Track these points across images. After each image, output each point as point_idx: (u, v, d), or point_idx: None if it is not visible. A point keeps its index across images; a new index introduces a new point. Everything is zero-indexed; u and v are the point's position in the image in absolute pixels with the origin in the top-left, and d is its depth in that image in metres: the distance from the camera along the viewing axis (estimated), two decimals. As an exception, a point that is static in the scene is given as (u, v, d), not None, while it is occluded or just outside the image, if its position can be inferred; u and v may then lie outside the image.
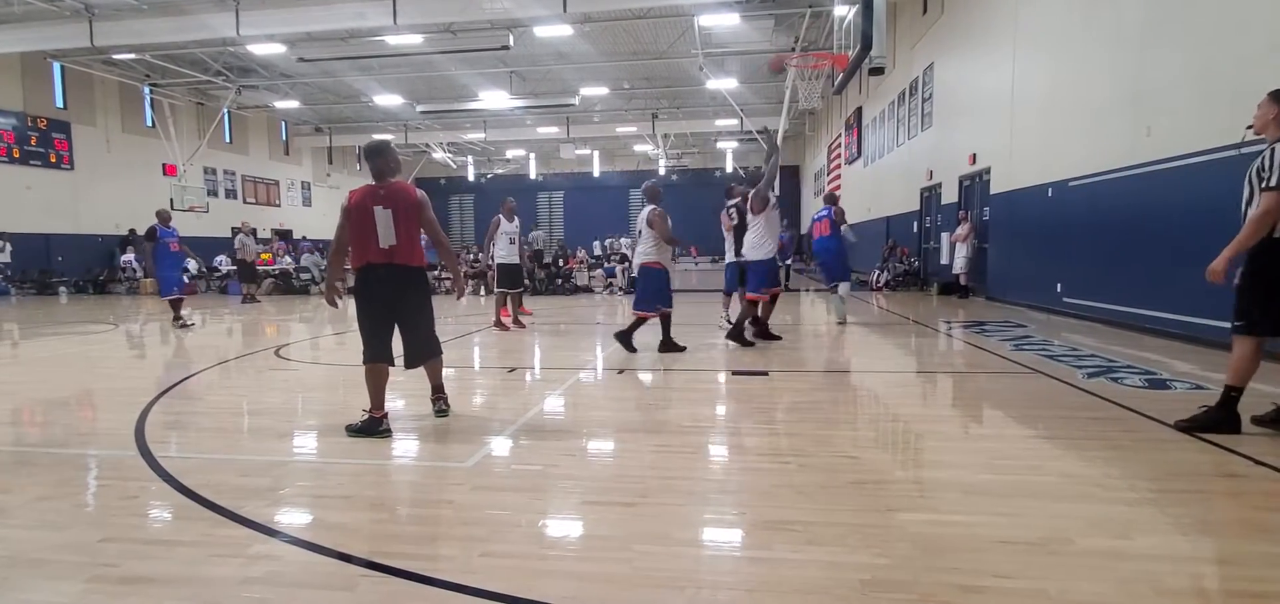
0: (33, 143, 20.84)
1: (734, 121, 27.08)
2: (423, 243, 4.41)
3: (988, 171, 12.58)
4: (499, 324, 9.48)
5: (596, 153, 36.82)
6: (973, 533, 2.64)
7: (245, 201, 29.94)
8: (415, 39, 17.65)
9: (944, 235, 14.40)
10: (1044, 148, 10.39)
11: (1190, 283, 7.07)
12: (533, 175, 38.91)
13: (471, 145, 35.65)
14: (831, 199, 10.45)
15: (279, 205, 32.16)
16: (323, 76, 23.48)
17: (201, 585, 2.30)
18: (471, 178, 39.26)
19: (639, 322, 7.23)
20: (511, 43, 17.38)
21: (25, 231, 19.87)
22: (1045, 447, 3.85)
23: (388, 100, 25.88)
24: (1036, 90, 10.64)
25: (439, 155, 35.65)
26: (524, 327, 9.80)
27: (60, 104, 21.98)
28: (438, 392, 4.62)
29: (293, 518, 2.92)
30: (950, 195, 14.53)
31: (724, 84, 22.57)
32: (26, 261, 19.33)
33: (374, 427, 4.15)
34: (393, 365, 4.28)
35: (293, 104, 27.02)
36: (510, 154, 38.58)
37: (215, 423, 4.68)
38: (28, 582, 2.34)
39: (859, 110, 23.26)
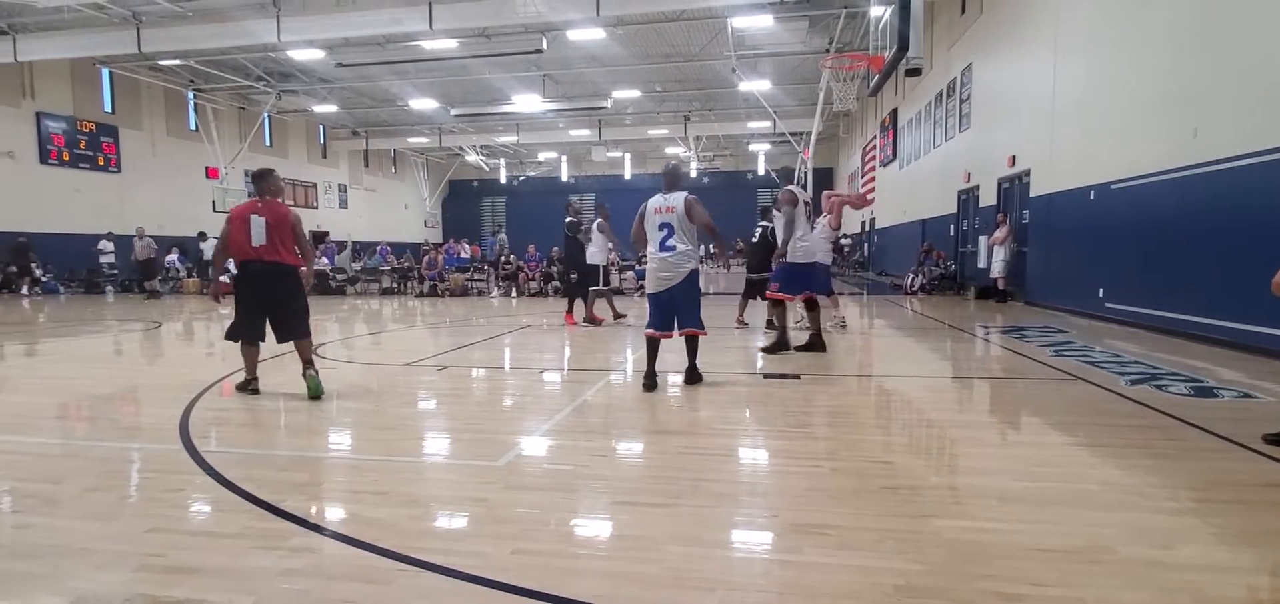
0: (82, 146, 21.63)
1: (767, 123, 26.93)
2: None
3: (1027, 174, 12.32)
4: (590, 320, 10.11)
5: (628, 155, 36.92)
6: (1009, 540, 2.59)
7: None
8: (450, 43, 17.90)
9: (981, 238, 14.14)
10: (1086, 150, 10.14)
11: (1239, 288, 6.85)
12: (564, 178, 39.17)
13: (504, 148, 36.02)
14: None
15: (316, 207, 32.85)
16: (360, 81, 23.94)
17: (244, 576, 2.36)
18: (504, 180, 39.67)
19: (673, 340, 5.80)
20: (545, 46, 17.52)
21: (75, 232, 20.62)
22: (1085, 454, 3.76)
23: (422, 104, 26.29)
24: (1078, 91, 10.39)
25: (472, 158, 36.09)
26: (600, 324, 10.22)
27: (108, 109, 22.78)
28: (308, 365, 5.37)
29: (330, 512, 2.98)
30: (988, 198, 14.26)
31: (757, 86, 22.47)
32: (74, 261, 20.03)
33: (247, 386, 5.44)
34: (263, 341, 5.40)
35: (331, 108, 27.59)
36: (542, 156, 38.88)
37: (255, 419, 4.81)
38: (78, 570, 2.43)
39: (894, 112, 22.95)
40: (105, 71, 22.14)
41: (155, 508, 3.07)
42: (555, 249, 17.30)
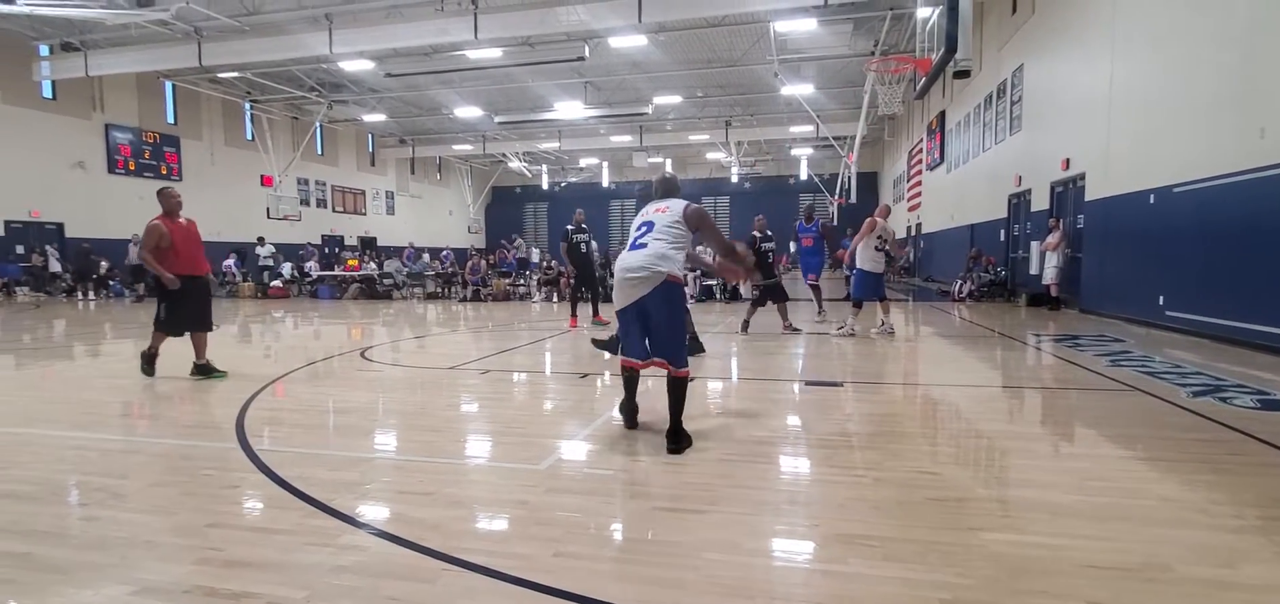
0: (146, 156, 22.79)
1: (810, 128, 26.67)
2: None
3: (1082, 177, 11.93)
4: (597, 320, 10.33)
5: (669, 161, 36.97)
6: (1061, 556, 2.51)
7: (334, 210, 31.58)
8: (494, 52, 18.21)
9: (1033, 244, 13.73)
10: (1145, 151, 9.77)
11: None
12: (605, 183, 39.40)
13: (546, 154, 36.44)
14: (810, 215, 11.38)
15: (365, 214, 33.75)
16: (407, 90, 24.54)
17: (296, 571, 2.44)
18: (546, 186, 40.11)
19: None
20: (587, 53, 17.69)
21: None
22: (1143, 468, 3.62)
23: (467, 112, 26.78)
24: (1137, 90, 10.03)
25: (515, 164, 36.59)
26: (607, 323, 10.33)
27: (171, 120, 23.88)
28: (200, 355, 6.56)
29: (378, 511, 3.06)
30: (1041, 202, 13.85)
31: (799, 90, 22.27)
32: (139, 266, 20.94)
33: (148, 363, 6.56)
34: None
35: (379, 117, 28.32)
36: (584, 162, 39.21)
37: (307, 419, 4.96)
38: (143, 562, 2.54)
39: (942, 115, 22.48)
40: (169, 85, 23.22)
41: (213, 504, 3.20)
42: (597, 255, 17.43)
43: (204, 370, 6.52)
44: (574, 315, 11.20)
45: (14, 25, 17.78)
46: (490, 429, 4.70)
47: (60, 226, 20.39)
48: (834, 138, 26.70)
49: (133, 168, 22.33)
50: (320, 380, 6.66)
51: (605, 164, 38.22)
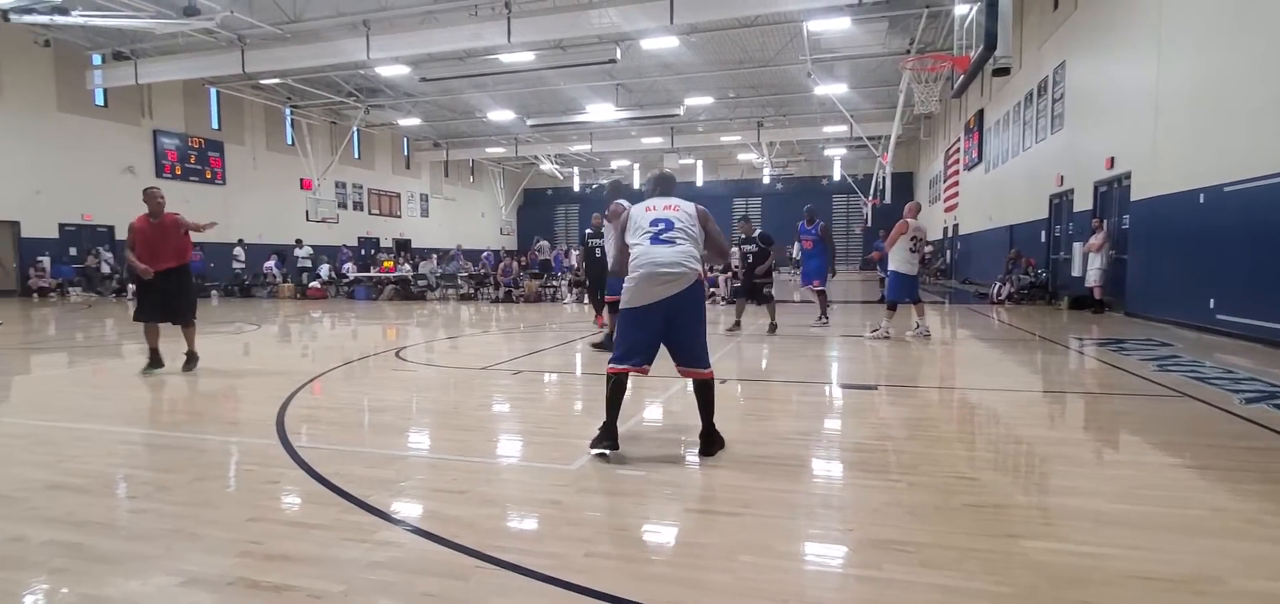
0: (192, 161, 23.58)
1: (843, 128, 26.38)
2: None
3: (1127, 176, 11.58)
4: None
5: (700, 162, 36.88)
6: (1106, 566, 2.44)
7: (370, 213, 32.18)
8: (527, 56, 18.38)
9: (1076, 245, 13.38)
10: (1194, 150, 9.45)
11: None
12: (636, 185, 39.44)
13: (577, 156, 36.63)
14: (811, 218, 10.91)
15: (400, 216, 34.32)
16: (442, 94, 24.89)
17: (334, 565, 2.49)
18: (577, 188, 40.32)
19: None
20: (619, 56, 17.76)
21: (187, 240, 22.25)
22: (1193, 477, 3.49)
23: (500, 115, 27.07)
24: (1185, 87, 9.71)
25: (546, 167, 36.86)
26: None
27: (215, 125, 24.61)
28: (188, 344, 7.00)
29: (413, 509, 3.10)
30: (1083, 202, 13.48)
31: (833, 90, 22.04)
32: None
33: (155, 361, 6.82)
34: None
35: (414, 121, 28.78)
36: (614, 164, 39.32)
37: (343, 417, 5.05)
38: (187, 553, 2.61)
39: (980, 113, 22.04)
40: (213, 91, 23.95)
41: (254, 498, 3.27)
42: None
43: (187, 359, 6.97)
44: (601, 313, 11.17)
45: (69, 36, 18.46)
46: (522, 429, 4.74)
47: (111, 229, 21.10)
48: (868, 138, 26.36)
49: (179, 172, 23.09)
50: (356, 379, 6.78)
51: (636, 166, 38.29)
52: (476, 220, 40.16)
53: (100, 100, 21.00)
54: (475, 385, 6.31)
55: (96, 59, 20.15)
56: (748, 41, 19.59)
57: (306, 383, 6.26)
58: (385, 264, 22.10)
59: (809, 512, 3.09)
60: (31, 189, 19.34)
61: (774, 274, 10.72)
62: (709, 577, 2.40)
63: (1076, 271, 13.19)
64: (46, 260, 19.29)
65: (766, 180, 34.48)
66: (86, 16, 14.75)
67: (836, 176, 34.73)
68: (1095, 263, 12.20)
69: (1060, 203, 15.03)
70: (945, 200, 27.36)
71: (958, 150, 25.13)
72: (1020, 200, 17.61)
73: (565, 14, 15.60)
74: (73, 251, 20.28)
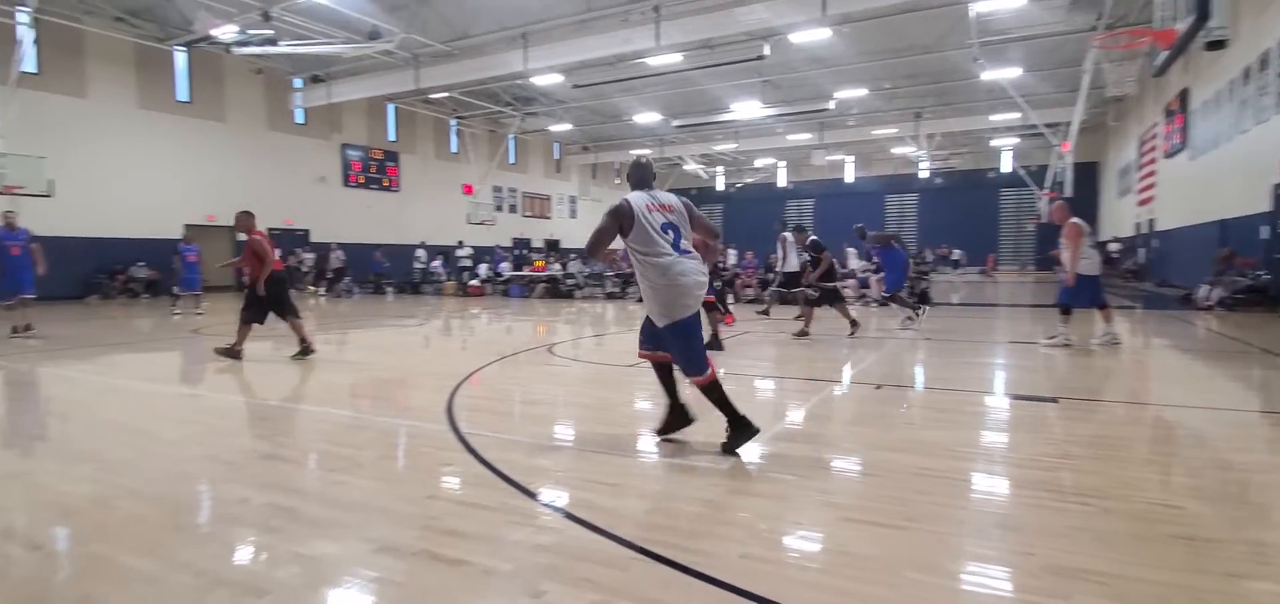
0: (372, 170, 26.35)
1: (1015, 115, 24.24)
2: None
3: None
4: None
5: (851, 158, 35.44)
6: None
7: (523, 215, 34.04)
8: (675, 57, 18.55)
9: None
10: None
11: None
12: (782, 184, 38.67)
13: (722, 156, 36.51)
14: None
15: (550, 218, 36.00)
16: (591, 100, 25.82)
17: (502, 545, 2.65)
18: (721, 188, 40.18)
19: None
20: (767, 51, 17.46)
21: (364, 242, 24.74)
22: None
23: (646, 117, 27.59)
24: None
25: (690, 167, 37.07)
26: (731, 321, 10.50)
27: (392, 138, 27.24)
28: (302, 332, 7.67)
29: (570, 497, 3.23)
30: (1317, 192, 11.46)
31: (1004, 74, 20.25)
32: (364, 267, 23.90)
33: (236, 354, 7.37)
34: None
35: (566, 126, 30.04)
36: (759, 163, 38.75)
37: (506, 408, 5.37)
38: (378, 524, 2.89)
39: (1184, 93, 19.38)
40: (391, 107, 26.51)
41: (430, 478, 3.56)
42: (773, 255, 17.13)
43: (302, 351, 7.56)
44: (728, 312, 11.15)
45: (277, 64, 21.15)
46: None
47: (306, 232, 23.90)
48: (1045, 125, 23.99)
49: (362, 181, 25.87)
50: (512, 373, 7.18)
51: (782, 164, 37.50)
52: (622, 221, 41.13)
53: (300, 119, 23.84)
54: (623, 382, 6.47)
55: (298, 83, 22.90)
56: (906, 28, 18.52)
57: (469, 375, 6.71)
58: (537, 263, 23.24)
59: (981, 530, 2.86)
60: (246, 198, 22.29)
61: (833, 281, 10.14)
62: (870, 590, 2.29)
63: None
64: (256, 261, 22.20)
65: (924, 175, 32.34)
66: (291, 46, 16.79)
67: (1005, 169, 31.97)
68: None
69: (1288, 193, 12.88)
70: (1139, 192, 24.32)
71: (1155, 136, 22.24)
72: (1234, 191, 15.27)
73: (713, 13, 15.57)
74: (278, 253, 23.16)
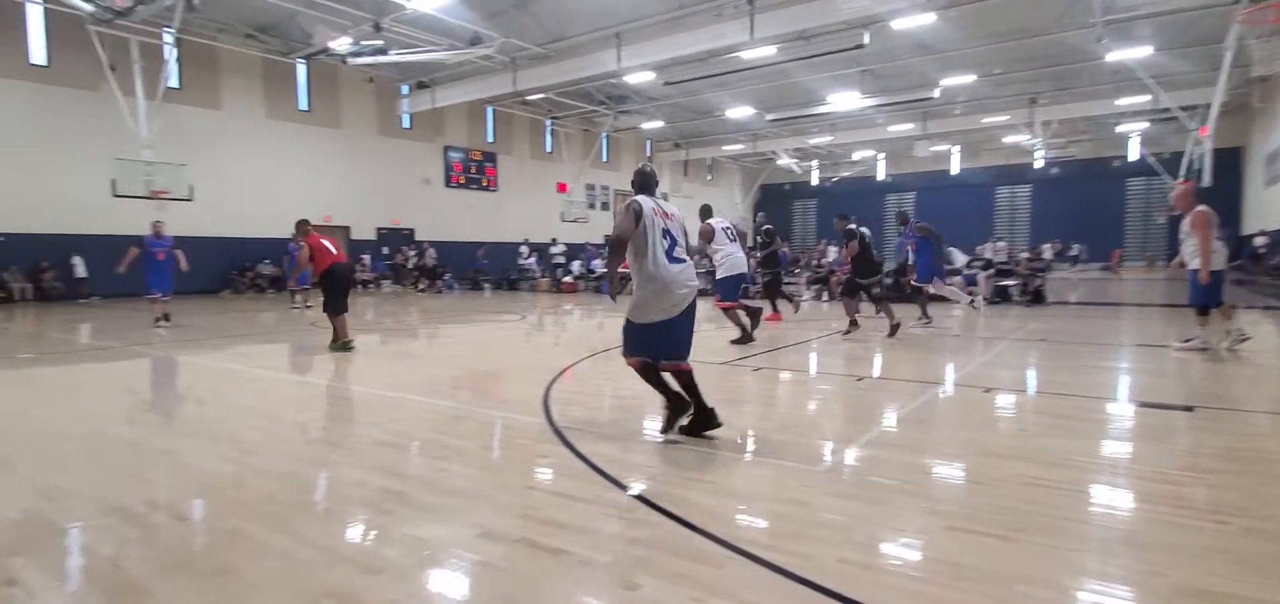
0: (472, 171, 27.48)
1: (1144, 98, 22.31)
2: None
3: None
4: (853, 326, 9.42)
5: (956, 148, 33.71)
6: None
7: (615, 212, 34.50)
8: (769, 50, 18.24)
9: None
10: None
11: None
12: (880, 176, 37.32)
13: (817, 149, 35.62)
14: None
15: (642, 215, 36.30)
16: (683, 96, 25.80)
17: (599, 536, 2.71)
18: (815, 182, 39.22)
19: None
20: (866, 40, 16.86)
21: (464, 240, 25.80)
22: None
23: (738, 112, 27.29)
24: None
25: (783, 161, 36.37)
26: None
27: (490, 139, 28.28)
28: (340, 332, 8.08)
29: (666, 492, 3.25)
30: None
31: (1132, 54, 18.67)
32: (464, 265, 24.91)
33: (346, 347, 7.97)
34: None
35: (657, 124, 30.17)
36: (857, 156, 37.54)
37: (598, 402, 5.46)
38: (480, 510, 3.02)
39: (1343, 67, 17.25)
40: (490, 110, 27.52)
41: (528, 469, 3.68)
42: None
43: (342, 346, 8.02)
44: (776, 310, 11.24)
45: (386, 72, 22.39)
46: (765, 425, 4.73)
47: (412, 231, 25.19)
48: (1179, 108, 21.95)
49: (462, 181, 27.03)
50: (605, 368, 7.29)
51: (882, 156, 36.16)
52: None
53: (407, 123, 25.14)
54: (714, 380, 6.43)
55: (404, 89, 24.16)
56: (1019, 9, 17.40)
57: (563, 370, 6.87)
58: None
59: (1103, 546, 2.67)
60: (359, 200, 23.77)
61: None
62: (978, 603, 2.19)
63: None
64: (367, 258, 23.55)
65: (1039, 164, 30.19)
66: (399, 55, 17.73)
67: (1133, 156, 29.50)
68: None
69: None
70: (1290, 179, 21.88)
71: (1309, 117, 19.92)
72: None
73: (810, 3, 15.19)
74: (385, 251, 24.49)
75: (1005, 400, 5.39)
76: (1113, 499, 3.23)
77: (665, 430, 4.10)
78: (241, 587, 2.36)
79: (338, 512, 3.15)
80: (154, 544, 2.74)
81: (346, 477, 3.55)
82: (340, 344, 8.04)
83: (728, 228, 8.52)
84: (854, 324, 9.02)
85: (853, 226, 9.14)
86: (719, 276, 8.47)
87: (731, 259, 8.33)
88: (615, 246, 4.15)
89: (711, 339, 8.47)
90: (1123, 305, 14.10)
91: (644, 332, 4.13)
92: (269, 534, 2.78)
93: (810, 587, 2.27)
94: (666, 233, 4.19)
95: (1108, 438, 4.35)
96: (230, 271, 20.07)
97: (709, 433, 4.09)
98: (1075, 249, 30.50)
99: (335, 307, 8.07)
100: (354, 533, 2.85)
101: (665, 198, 4.47)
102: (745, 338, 8.34)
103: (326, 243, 8.14)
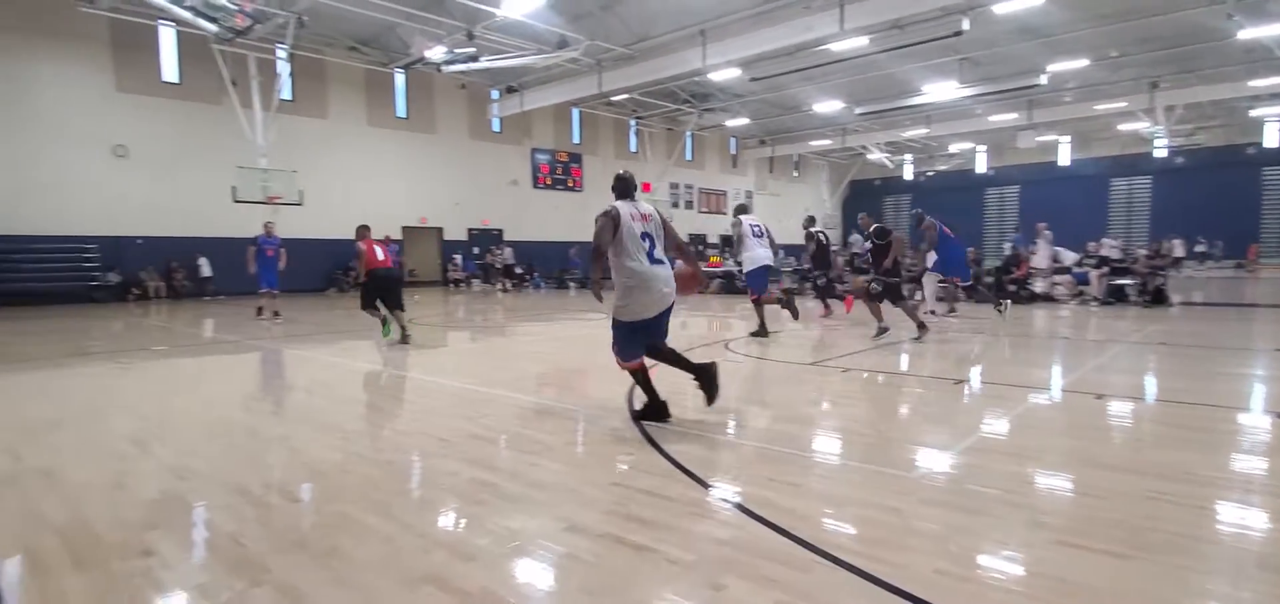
0: (558, 172, 28.10)
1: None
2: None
3: None
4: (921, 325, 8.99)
5: (1066, 138, 31.62)
6: None
7: (699, 211, 34.34)
8: (860, 41, 17.70)
9: None
10: None
11: None
12: (980, 169, 35.50)
13: (910, 143, 34.29)
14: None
15: (725, 213, 35.94)
16: (768, 92, 25.40)
17: (684, 535, 2.71)
18: (908, 177, 37.77)
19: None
20: (966, 26, 16.06)
21: (551, 240, 26.38)
22: None
23: (826, 106, 26.63)
24: None
25: (874, 156, 35.21)
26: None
27: (576, 140, 28.78)
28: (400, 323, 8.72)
29: (752, 494, 3.21)
30: None
31: (1269, 31, 16.99)
32: (553, 263, 25.44)
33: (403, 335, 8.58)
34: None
35: (742, 121, 29.85)
36: (954, 148, 35.86)
37: (681, 401, 5.43)
38: (567, 504, 3.08)
39: None
40: (575, 112, 28.01)
41: (613, 465, 3.72)
42: (972, 250, 15.78)
43: (402, 337, 8.64)
44: (827, 306, 11.79)
45: (478, 78, 23.20)
46: (854, 428, 4.59)
47: (500, 232, 25.98)
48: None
49: (549, 182, 27.67)
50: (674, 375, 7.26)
51: (982, 149, 34.38)
52: (799, 215, 40.09)
53: (496, 127, 25.95)
54: (803, 380, 6.31)
55: (495, 94, 24.98)
56: (1135, -13, 16.19)
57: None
58: (712, 260, 23.32)
59: (1235, 568, 2.45)
60: (452, 202, 24.74)
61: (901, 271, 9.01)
62: (1091, 624, 2.05)
63: None
64: (459, 258, 24.47)
65: (1161, 154, 27.75)
66: (490, 61, 18.35)
67: (1270, 143, 26.83)
68: None
69: None
70: None
71: None
72: None
73: (903, -9, 14.66)
74: (475, 251, 25.37)
75: (1119, 408, 5.02)
76: (1244, 518, 2.95)
77: (637, 420, 4.52)
78: (349, 567, 2.50)
79: (433, 500, 3.29)
80: (270, 523, 2.95)
81: (441, 467, 3.71)
82: (393, 331, 8.80)
83: (756, 226, 9.04)
84: (921, 326, 8.60)
85: (882, 225, 9.06)
86: (747, 271, 9.01)
87: (754, 254, 8.88)
88: (596, 255, 4.43)
89: (798, 338, 8.28)
90: (1258, 306, 12.84)
91: (634, 330, 4.48)
92: (372, 519, 2.94)
93: (903, 596, 2.19)
94: (646, 236, 4.49)
95: (1238, 452, 3.97)
96: (334, 271, 21.33)
97: (658, 422, 4.44)
98: (1202, 244, 28.01)
99: (363, 304, 8.95)
100: (448, 521, 2.97)
101: (638, 201, 4.73)
102: (762, 331, 8.79)
103: (377, 248, 8.90)
